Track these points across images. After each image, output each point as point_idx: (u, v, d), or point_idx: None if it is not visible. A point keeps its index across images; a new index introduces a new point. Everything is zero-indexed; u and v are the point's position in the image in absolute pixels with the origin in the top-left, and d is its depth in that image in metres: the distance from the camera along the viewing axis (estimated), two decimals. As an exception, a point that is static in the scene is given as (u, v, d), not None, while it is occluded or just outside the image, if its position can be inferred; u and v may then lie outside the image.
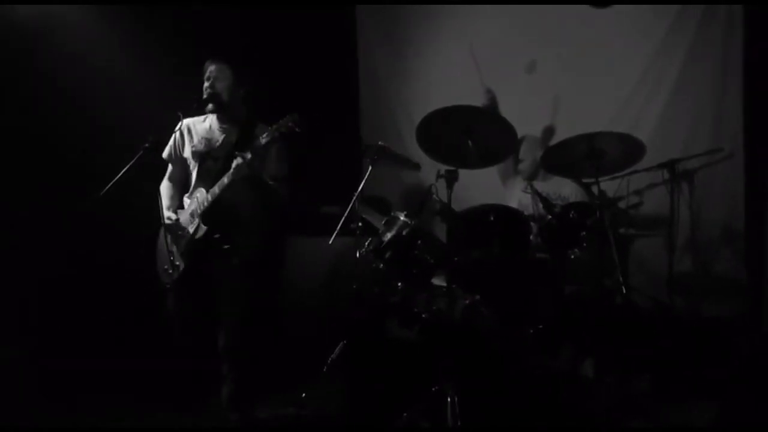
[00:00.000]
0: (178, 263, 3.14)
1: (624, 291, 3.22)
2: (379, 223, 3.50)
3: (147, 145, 2.98)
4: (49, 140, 3.88)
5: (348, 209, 3.62)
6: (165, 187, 3.39)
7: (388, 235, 3.28)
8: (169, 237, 3.17)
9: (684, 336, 3.65)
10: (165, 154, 3.34)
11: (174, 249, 3.17)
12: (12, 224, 3.77)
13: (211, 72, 3.19)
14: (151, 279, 3.32)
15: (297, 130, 2.92)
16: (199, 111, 3.26)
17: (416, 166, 4.00)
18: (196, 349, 3.22)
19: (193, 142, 3.25)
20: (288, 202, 3.23)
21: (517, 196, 4.07)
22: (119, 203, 2.98)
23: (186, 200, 3.25)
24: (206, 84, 3.19)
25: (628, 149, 3.32)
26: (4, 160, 3.76)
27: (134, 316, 3.97)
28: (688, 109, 4.10)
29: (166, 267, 3.19)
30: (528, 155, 4.06)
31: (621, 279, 3.19)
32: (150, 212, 3.27)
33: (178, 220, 3.20)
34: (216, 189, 3.04)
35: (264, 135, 2.95)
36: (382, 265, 3.28)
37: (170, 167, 3.39)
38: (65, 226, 3.84)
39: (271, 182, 3.14)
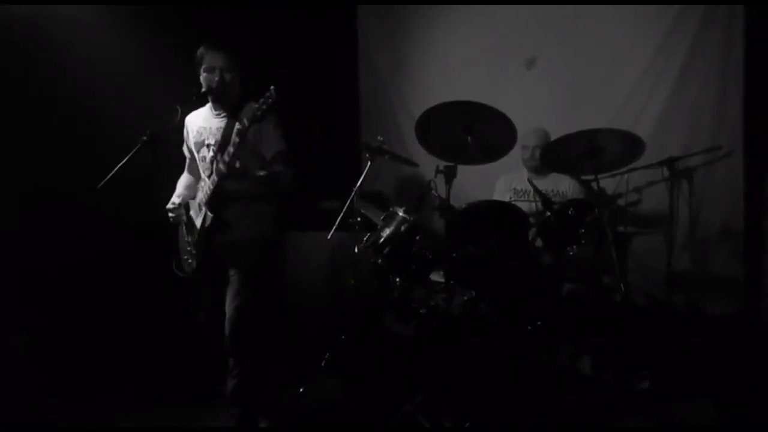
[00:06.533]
0: (194, 252, 3.17)
1: (622, 288, 3.22)
2: (377, 218, 3.50)
3: (145, 138, 2.96)
4: (48, 134, 3.84)
5: (347, 204, 3.61)
6: (181, 179, 3.45)
7: (387, 231, 3.28)
8: (184, 228, 3.22)
9: (682, 333, 3.66)
10: (184, 149, 3.40)
11: (189, 240, 3.20)
12: (14, 219, 3.75)
13: (217, 63, 3.09)
14: (156, 271, 3.34)
15: (271, 100, 2.81)
16: (201, 104, 3.24)
17: (413, 164, 3.99)
18: (216, 338, 3.18)
19: (192, 134, 3.26)
20: (290, 180, 3.12)
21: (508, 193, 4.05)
22: (121, 195, 2.99)
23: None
24: (217, 78, 3.09)
25: (628, 146, 3.31)
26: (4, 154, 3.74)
27: (141, 308, 3.95)
28: (688, 108, 4.11)
29: (186, 257, 3.22)
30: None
31: (619, 276, 3.19)
32: (155, 203, 3.29)
33: (189, 212, 3.24)
34: (215, 176, 3.04)
35: (245, 119, 2.87)
36: (380, 260, 3.26)
37: (187, 160, 3.44)
38: (68, 220, 3.82)
39: (269, 160, 3.09)
